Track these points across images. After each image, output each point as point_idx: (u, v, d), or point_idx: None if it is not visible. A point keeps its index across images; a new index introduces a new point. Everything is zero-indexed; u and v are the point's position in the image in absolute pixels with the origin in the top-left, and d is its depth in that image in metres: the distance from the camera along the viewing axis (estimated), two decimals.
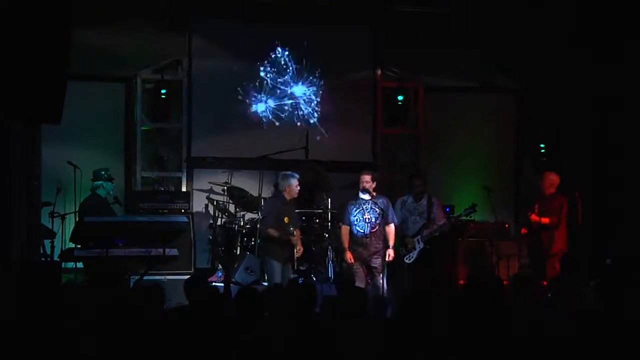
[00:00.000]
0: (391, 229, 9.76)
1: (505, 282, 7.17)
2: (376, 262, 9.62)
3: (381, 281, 9.43)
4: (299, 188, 10.04)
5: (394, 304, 7.61)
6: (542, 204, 10.54)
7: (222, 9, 12.23)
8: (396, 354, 5.47)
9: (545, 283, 10.21)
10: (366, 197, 9.68)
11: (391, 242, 9.72)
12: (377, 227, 9.65)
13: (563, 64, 12.26)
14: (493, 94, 13.36)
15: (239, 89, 12.25)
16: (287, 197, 10.00)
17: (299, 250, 9.94)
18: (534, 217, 10.48)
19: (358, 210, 9.73)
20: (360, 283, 9.31)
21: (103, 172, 10.47)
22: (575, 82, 12.19)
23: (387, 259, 9.58)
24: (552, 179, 10.64)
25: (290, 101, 12.49)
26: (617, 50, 11.66)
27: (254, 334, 5.65)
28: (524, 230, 10.83)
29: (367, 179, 9.70)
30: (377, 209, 9.64)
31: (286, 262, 9.90)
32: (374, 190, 9.72)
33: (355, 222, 9.72)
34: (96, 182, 10.42)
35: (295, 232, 9.89)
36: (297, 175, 10.05)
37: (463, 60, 12.91)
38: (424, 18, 12.47)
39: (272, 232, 9.88)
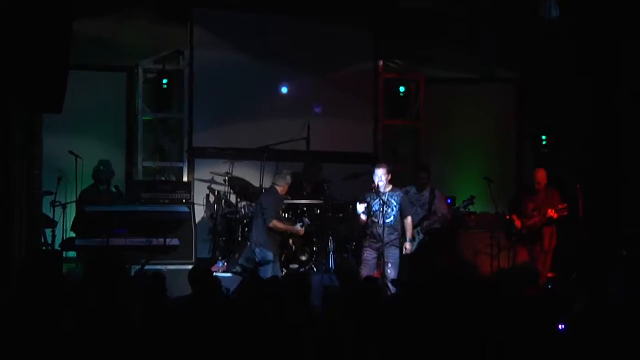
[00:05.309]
0: (408, 220, 9.74)
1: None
2: (388, 252, 9.59)
3: (389, 271, 9.45)
4: None
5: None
6: (536, 201, 10.57)
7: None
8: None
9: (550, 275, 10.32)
10: (382, 189, 9.62)
11: (408, 234, 9.71)
12: (391, 218, 9.63)
13: (563, 53, 12.25)
14: (494, 85, 13.33)
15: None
16: (281, 192, 10.16)
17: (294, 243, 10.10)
18: (535, 220, 10.48)
19: (375, 201, 9.66)
20: (369, 271, 9.34)
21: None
22: (576, 72, 12.18)
23: (404, 251, 9.60)
24: (541, 175, 10.66)
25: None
26: (616, 43, 11.66)
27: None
28: (518, 223, 10.73)
29: (382, 172, 9.63)
30: (393, 201, 9.60)
31: (276, 253, 10.02)
32: (390, 182, 9.71)
33: (372, 213, 9.67)
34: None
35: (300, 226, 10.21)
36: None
37: (463, 52, 12.89)
38: (424, 11, 12.46)
39: (279, 223, 9.95)
